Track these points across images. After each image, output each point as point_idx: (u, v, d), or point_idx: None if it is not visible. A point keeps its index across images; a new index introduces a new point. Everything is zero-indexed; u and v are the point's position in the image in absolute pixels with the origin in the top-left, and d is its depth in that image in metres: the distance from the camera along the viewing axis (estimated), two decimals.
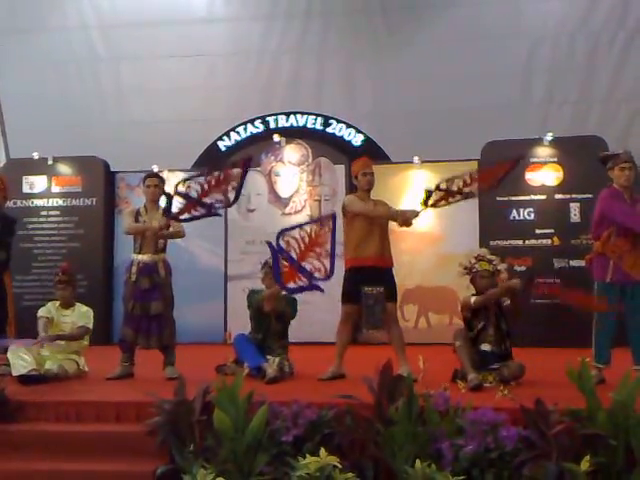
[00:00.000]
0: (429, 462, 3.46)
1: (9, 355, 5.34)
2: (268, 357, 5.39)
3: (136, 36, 10.33)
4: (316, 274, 5.12)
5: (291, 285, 5.16)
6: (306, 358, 6.08)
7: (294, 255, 5.13)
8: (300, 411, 3.79)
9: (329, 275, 5.11)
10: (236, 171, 4.90)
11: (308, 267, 5.11)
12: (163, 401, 4.03)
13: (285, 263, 5.19)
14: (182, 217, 5.07)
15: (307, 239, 5.22)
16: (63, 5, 10.78)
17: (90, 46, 10.65)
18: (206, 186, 4.82)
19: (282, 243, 5.24)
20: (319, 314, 7.97)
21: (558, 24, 9.75)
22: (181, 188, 4.84)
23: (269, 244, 5.22)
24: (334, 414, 3.81)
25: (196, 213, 4.96)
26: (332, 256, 5.22)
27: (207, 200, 4.89)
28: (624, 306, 4.99)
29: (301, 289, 5.17)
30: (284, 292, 5.79)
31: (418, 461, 3.45)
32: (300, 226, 5.29)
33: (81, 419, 4.32)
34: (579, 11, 9.73)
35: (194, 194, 4.86)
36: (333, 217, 5.29)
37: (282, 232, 5.27)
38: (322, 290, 5.07)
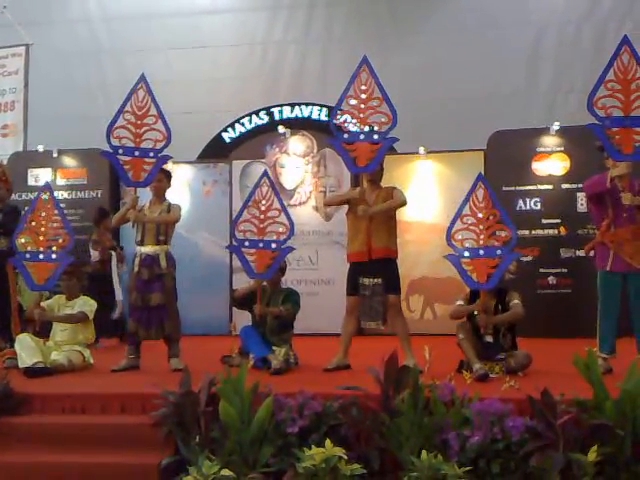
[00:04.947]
0: (435, 453, 3.46)
1: (17, 346, 5.37)
2: (274, 348, 5.37)
3: (140, 28, 10.31)
4: (282, 237, 5.25)
5: (267, 267, 5.26)
6: (312, 349, 6.06)
7: (254, 236, 5.24)
8: (306, 402, 3.78)
9: (292, 228, 5.28)
10: None
11: (274, 236, 5.25)
12: (168, 393, 4.03)
13: (251, 251, 5.23)
14: None
15: (257, 212, 5.28)
16: None
17: (94, 38, 10.65)
18: None
19: (238, 234, 5.27)
20: (325, 305, 7.95)
21: (564, 12, 9.66)
22: None
23: (228, 247, 5.24)
24: (340, 405, 3.80)
25: None
26: (284, 208, 5.36)
27: None
28: (628, 295, 4.96)
29: (277, 263, 5.30)
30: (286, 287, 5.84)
31: (424, 452, 3.45)
32: (245, 207, 5.34)
33: (86, 411, 4.33)
34: None
35: None
36: (264, 173, 5.42)
37: (234, 223, 5.37)
38: (294, 248, 5.40)
